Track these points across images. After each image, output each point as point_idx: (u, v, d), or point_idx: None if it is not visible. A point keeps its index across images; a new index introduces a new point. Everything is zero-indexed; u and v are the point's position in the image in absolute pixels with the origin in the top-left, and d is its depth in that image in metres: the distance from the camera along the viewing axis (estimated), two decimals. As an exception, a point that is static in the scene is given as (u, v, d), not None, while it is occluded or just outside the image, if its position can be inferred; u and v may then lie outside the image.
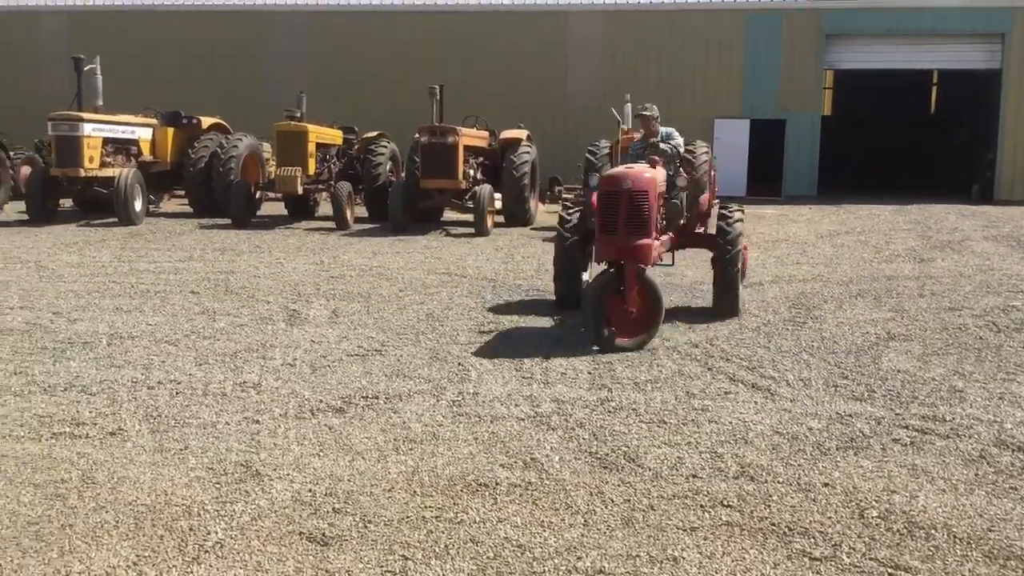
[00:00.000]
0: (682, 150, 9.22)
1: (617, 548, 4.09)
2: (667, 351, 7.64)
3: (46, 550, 4.03)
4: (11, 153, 20.72)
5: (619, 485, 4.80)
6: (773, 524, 4.35)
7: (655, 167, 8.38)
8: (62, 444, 5.35)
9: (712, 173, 16.58)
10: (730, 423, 5.78)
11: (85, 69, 17.97)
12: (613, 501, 4.59)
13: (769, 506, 4.55)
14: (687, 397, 6.35)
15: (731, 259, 8.83)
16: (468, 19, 27.55)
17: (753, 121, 26.74)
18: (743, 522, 4.37)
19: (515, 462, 5.12)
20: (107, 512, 4.42)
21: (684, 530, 4.28)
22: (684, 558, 4.02)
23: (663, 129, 9.35)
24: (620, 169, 8.41)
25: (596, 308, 7.73)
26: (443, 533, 4.23)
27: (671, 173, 9.04)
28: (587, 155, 16.75)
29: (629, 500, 4.61)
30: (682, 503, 4.59)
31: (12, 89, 28.26)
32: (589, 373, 6.95)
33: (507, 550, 4.06)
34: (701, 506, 4.54)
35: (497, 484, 4.80)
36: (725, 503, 4.57)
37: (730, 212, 9.18)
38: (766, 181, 26.45)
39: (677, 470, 5.02)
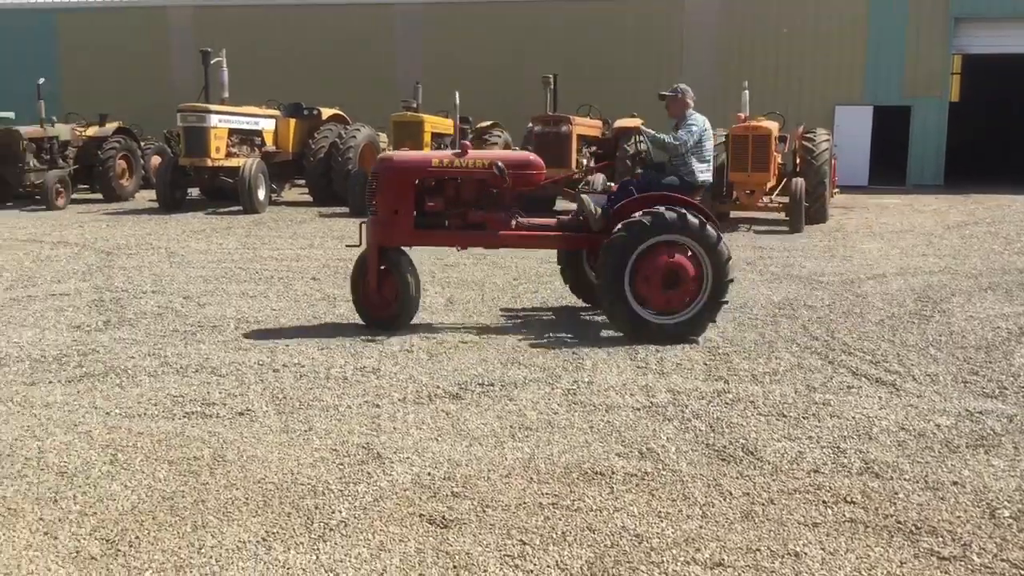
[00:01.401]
0: (689, 141, 8.14)
1: (736, 541, 4.05)
2: (785, 343, 7.49)
3: (180, 524, 4.21)
4: (142, 144, 21.62)
5: (737, 478, 4.74)
6: (899, 522, 4.23)
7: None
8: (194, 423, 5.58)
9: (832, 162, 16.17)
10: (853, 418, 5.63)
11: (212, 62, 18.62)
12: (732, 494, 4.54)
13: (895, 504, 4.42)
14: (807, 391, 6.21)
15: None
16: (583, 7, 27.46)
17: (876, 108, 25.90)
18: (867, 519, 4.26)
19: (631, 452, 5.11)
20: (237, 489, 4.59)
21: (805, 525, 4.20)
22: (806, 553, 3.94)
23: (691, 115, 8.34)
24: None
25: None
26: (560, 520, 4.26)
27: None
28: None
29: (748, 493, 4.55)
30: (803, 498, 4.50)
31: (143, 83, 29.50)
32: (705, 364, 6.87)
33: (624, 539, 4.06)
34: (823, 502, 4.44)
35: (613, 473, 4.80)
36: (848, 499, 4.47)
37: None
38: (889, 170, 25.61)
39: (798, 464, 4.92)
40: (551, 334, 7.86)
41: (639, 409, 5.83)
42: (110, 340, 7.54)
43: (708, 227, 7.54)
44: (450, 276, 10.71)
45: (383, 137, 21.05)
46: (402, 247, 8.14)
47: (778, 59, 25.93)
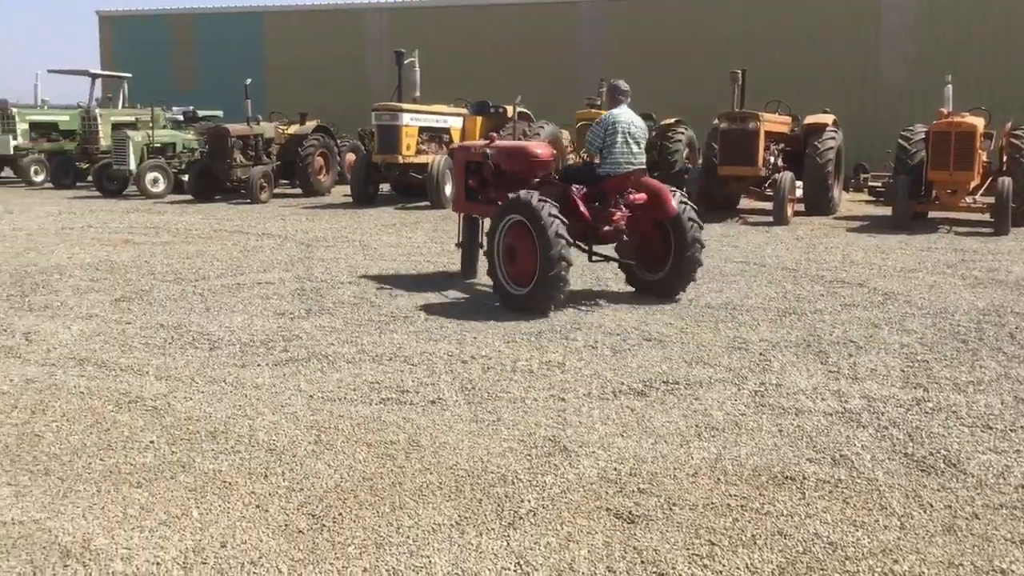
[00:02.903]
0: (593, 146, 9.27)
1: (937, 555, 3.89)
2: (991, 351, 7.10)
3: (379, 504, 4.42)
4: (338, 141, 22.64)
5: (938, 490, 4.54)
6: (1121, 547, 3.94)
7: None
8: (390, 409, 5.83)
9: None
10: (1067, 433, 5.29)
11: (405, 63, 19.27)
12: (932, 506, 4.35)
13: (1116, 527, 4.13)
14: (1015, 402, 5.87)
15: None
16: (771, 0, 26.77)
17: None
18: (1084, 542, 4.00)
19: (823, 457, 4.98)
20: (431, 474, 4.78)
21: (1013, 542, 3.99)
22: (1013, 571, 3.74)
23: (604, 116, 9.37)
24: None
25: None
26: (749, 523, 4.21)
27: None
28: (899, 141, 15.79)
29: (950, 506, 4.35)
30: (1010, 514, 4.26)
31: (339, 82, 30.88)
32: (902, 371, 6.60)
33: (817, 546, 3.97)
34: (1034, 520, 4.20)
35: (804, 478, 4.70)
36: (1062, 519, 4.20)
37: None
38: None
39: (1005, 479, 4.67)
40: (737, 335, 7.74)
41: (831, 414, 5.67)
42: (312, 327, 7.97)
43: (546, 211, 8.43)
44: (633, 273, 10.68)
45: (566, 134, 21.22)
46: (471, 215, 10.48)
47: (982, 54, 24.44)
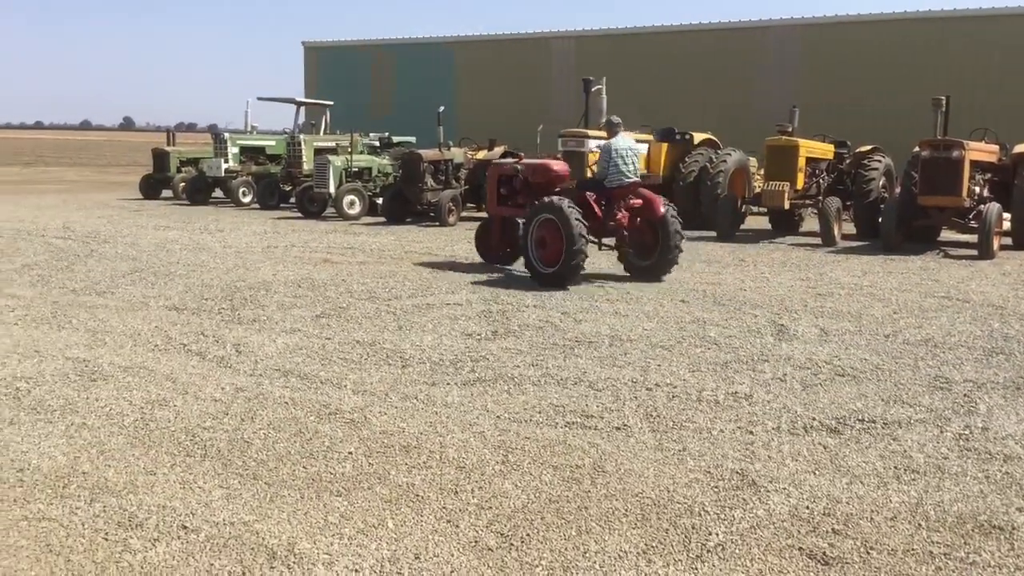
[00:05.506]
0: (601, 167, 12.42)
1: None
2: None
3: (566, 527, 4.47)
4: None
5: None
6: None
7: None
8: (575, 433, 5.88)
9: None
10: None
11: (592, 90, 19.45)
12: None
13: None
14: None
15: None
16: (973, 23, 25.42)
17: None
18: None
19: (1036, 509, 4.67)
20: (616, 500, 4.79)
21: None
22: None
23: (607, 143, 12.36)
24: None
25: None
26: (953, 571, 4.00)
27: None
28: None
29: None
30: None
31: (526, 109, 31.46)
32: None
33: (1030, 603, 3.74)
34: None
35: (1014, 528, 4.42)
36: None
37: None
38: None
39: None
40: (938, 373, 7.36)
41: (1045, 463, 5.31)
42: (498, 349, 8.14)
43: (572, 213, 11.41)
44: (824, 306, 10.37)
45: (754, 162, 20.83)
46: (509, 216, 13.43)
47: None
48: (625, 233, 12.18)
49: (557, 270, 11.46)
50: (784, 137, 17.89)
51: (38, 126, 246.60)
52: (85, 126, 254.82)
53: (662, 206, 12.11)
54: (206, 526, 4.45)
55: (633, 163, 12.23)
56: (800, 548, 4.23)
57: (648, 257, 12.26)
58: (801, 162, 17.76)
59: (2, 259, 13.58)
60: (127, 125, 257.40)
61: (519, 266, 12.92)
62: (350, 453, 5.48)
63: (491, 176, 13.80)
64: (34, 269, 12.66)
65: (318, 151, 23.70)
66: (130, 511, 4.61)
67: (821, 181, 18.63)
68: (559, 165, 13.20)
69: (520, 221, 12.61)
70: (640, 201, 12.21)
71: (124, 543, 4.26)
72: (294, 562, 4.10)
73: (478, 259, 14.01)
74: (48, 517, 4.54)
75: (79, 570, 4.01)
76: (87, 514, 4.57)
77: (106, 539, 4.30)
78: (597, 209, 12.00)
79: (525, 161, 13.47)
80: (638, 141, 20.13)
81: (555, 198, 11.65)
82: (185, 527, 4.44)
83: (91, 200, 26.60)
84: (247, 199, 24.91)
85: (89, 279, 11.86)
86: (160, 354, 7.93)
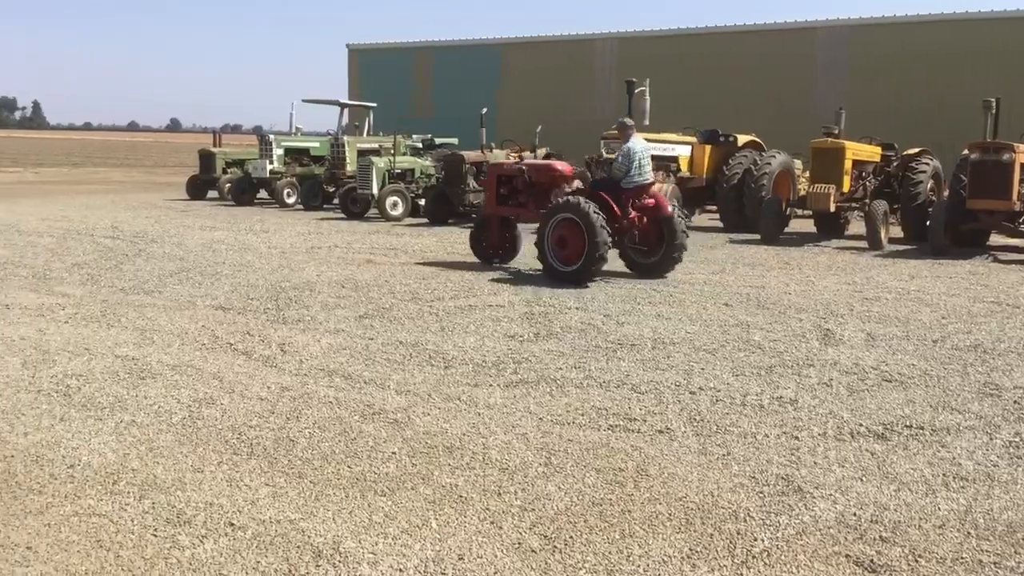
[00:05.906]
0: (622, 169, 12.45)
1: None
2: None
3: (609, 530, 4.46)
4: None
5: None
6: None
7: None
8: (617, 436, 5.87)
9: None
10: None
11: (636, 91, 19.39)
12: None
13: None
14: None
15: None
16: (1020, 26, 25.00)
17: None
18: None
19: (1090, 519, 4.57)
20: (660, 504, 4.77)
21: None
22: None
23: (625, 144, 12.78)
24: None
25: None
26: (1004, 582, 3.93)
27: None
28: None
29: None
30: None
31: (568, 111, 31.44)
32: None
33: (1084, 615, 3.66)
34: None
35: (1067, 540, 4.34)
36: None
37: None
38: None
39: None
40: (988, 380, 7.24)
41: (1099, 473, 5.20)
42: (540, 351, 8.15)
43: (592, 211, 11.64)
44: (870, 310, 10.25)
45: (799, 163, 20.63)
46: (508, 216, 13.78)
47: None
48: (636, 232, 12.58)
49: (578, 268, 11.75)
50: (830, 139, 17.70)
51: (87, 127, 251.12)
52: (132, 127, 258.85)
53: (670, 206, 12.65)
54: (253, 524, 4.50)
55: (648, 164, 12.68)
56: (847, 555, 4.19)
57: (652, 255, 12.67)
58: (847, 164, 17.56)
59: (53, 258, 13.85)
60: (174, 126, 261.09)
61: (517, 264, 13.55)
62: (394, 453, 5.51)
63: (490, 175, 14.04)
64: (83, 268, 12.89)
65: (361, 153, 23.85)
66: (178, 508, 4.68)
67: (868, 184, 18.41)
68: (562, 165, 13.79)
69: (513, 219, 13.56)
70: (652, 201, 12.62)
71: (173, 539, 4.32)
72: (339, 561, 4.13)
73: (520, 257, 14.00)
74: (98, 513, 4.62)
75: (129, 566, 4.08)
76: (136, 510, 4.65)
77: (155, 535, 4.37)
78: (616, 209, 12.22)
79: (528, 161, 13.92)
80: (680, 144, 20.14)
81: (574, 198, 11.92)
82: (232, 524, 4.49)
83: (138, 200, 27.02)
84: (291, 200, 25.14)
85: (137, 278, 12.05)
86: (207, 353, 8.03)
